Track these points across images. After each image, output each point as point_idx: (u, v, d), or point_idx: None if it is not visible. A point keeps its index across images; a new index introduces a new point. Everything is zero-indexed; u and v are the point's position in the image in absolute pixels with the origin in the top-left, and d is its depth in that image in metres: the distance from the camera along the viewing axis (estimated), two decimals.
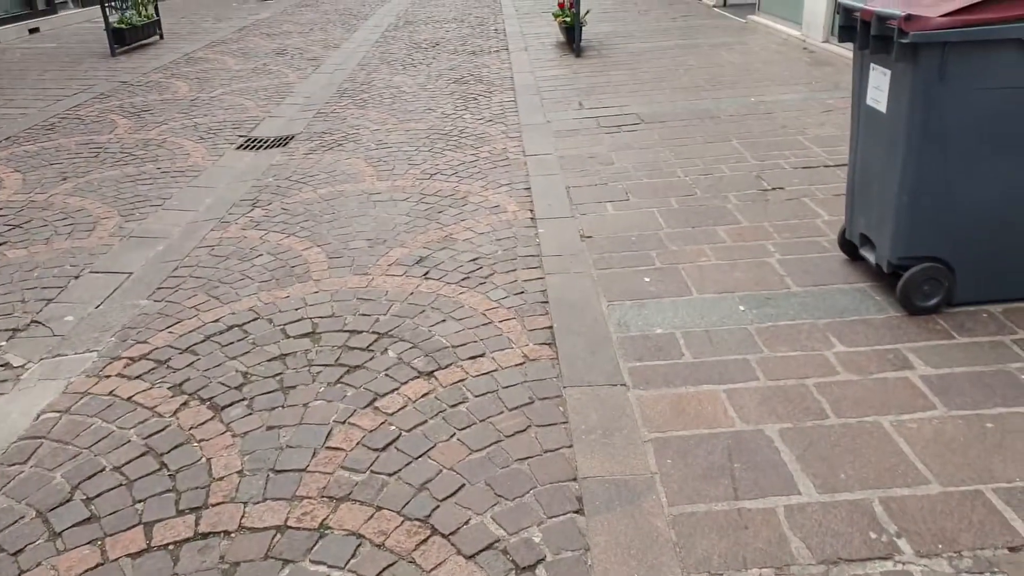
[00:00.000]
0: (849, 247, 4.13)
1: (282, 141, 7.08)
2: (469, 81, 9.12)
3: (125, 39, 11.67)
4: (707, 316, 3.71)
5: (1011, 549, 2.38)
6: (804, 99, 7.41)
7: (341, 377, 3.44)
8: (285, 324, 3.90)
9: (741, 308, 3.76)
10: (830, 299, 3.80)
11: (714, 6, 13.68)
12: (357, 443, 3.01)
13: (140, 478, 2.89)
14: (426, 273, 4.35)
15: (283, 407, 3.26)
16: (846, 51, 8.69)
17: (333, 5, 16.64)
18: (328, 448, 3.00)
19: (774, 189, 5.21)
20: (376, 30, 13.13)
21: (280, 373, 3.49)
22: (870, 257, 3.86)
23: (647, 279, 4.10)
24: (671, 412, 3.05)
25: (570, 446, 2.92)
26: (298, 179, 6.04)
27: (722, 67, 8.91)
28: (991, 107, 3.32)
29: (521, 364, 3.47)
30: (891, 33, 3.25)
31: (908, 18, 3.18)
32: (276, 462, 2.94)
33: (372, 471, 2.87)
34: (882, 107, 3.54)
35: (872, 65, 3.59)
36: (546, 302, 3.98)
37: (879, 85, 3.55)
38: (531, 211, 5.14)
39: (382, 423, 3.12)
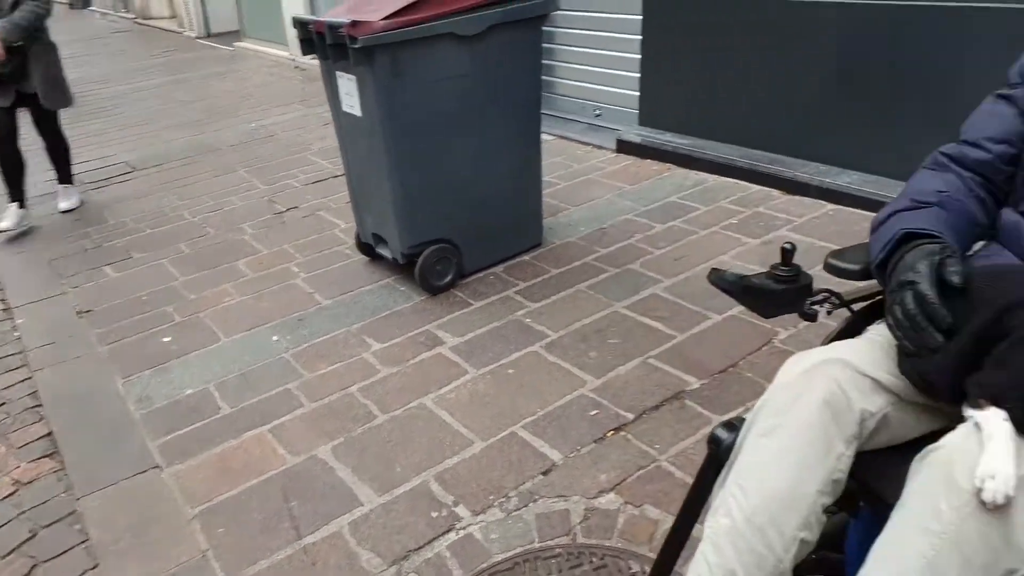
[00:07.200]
0: (366, 248, 4.21)
1: None
2: None
3: None
4: (241, 358, 3.47)
5: (544, 473, 2.57)
6: (303, 116, 7.46)
7: None
8: None
9: (275, 338, 3.60)
10: (360, 302, 3.82)
11: (197, 37, 13.25)
12: None
13: None
14: None
15: None
16: None
17: None
18: None
19: (288, 210, 5.13)
20: None
21: None
22: (386, 253, 3.97)
23: (167, 339, 3.71)
24: (217, 475, 2.77)
25: (94, 567, 2.47)
26: None
27: (217, 98, 8.61)
28: (442, 95, 3.55)
29: (11, 495, 2.86)
30: (344, 41, 3.28)
31: (354, 24, 3.25)
32: None
33: None
34: (357, 111, 3.60)
35: (338, 73, 3.63)
36: (39, 405, 3.37)
37: (349, 91, 3.60)
38: (1, 300, 4.39)
39: None
